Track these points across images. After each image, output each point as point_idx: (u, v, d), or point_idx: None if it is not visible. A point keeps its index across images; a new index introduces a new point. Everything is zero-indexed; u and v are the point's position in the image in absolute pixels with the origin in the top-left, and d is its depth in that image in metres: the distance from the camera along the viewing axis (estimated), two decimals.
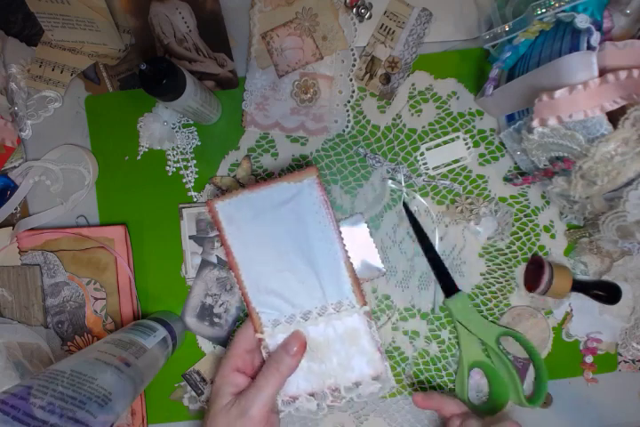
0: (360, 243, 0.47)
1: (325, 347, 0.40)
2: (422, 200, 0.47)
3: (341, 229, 0.40)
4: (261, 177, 0.48)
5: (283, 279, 0.40)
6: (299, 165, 0.48)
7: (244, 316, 0.48)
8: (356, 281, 0.40)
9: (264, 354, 0.40)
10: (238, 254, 0.40)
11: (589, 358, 0.47)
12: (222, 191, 0.48)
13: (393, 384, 0.39)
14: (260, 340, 0.40)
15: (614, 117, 0.35)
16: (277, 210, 0.40)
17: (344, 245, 0.40)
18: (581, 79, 0.34)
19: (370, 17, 0.47)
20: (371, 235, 0.47)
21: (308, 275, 0.40)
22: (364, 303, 0.39)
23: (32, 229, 0.48)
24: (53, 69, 0.49)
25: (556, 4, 0.37)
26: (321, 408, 0.40)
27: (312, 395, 0.40)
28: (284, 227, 0.40)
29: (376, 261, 0.47)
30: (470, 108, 0.48)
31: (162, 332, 0.43)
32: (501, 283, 0.47)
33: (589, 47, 0.35)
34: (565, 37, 0.37)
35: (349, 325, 0.39)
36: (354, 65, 0.48)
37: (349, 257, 0.40)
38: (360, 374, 0.39)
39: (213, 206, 0.40)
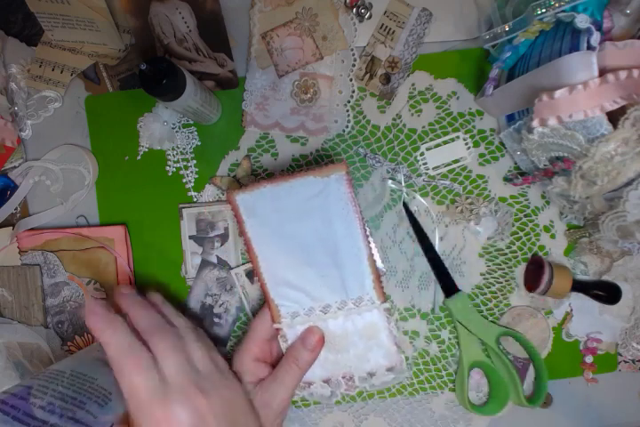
0: None
1: (343, 339, 0.40)
2: (422, 200, 0.47)
3: None
4: (261, 177, 0.48)
5: (303, 273, 0.40)
6: (299, 165, 0.48)
7: (244, 316, 0.48)
8: (378, 278, 0.40)
9: (282, 344, 0.40)
10: (258, 247, 0.40)
11: (589, 358, 0.47)
12: (223, 191, 0.48)
13: (407, 375, 0.40)
14: (278, 330, 0.40)
15: (614, 117, 0.35)
16: (302, 204, 0.39)
17: (369, 242, 0.39)
18: (581, 79, 0.34)
19: (370, 17, 0.47)
20: (371, 235, 0.47)
21: (329, 270, 0.40)
22: (385, 300, 0.40)
23: (32, 229, 0.48)
24: (53, 69, 0.49)
25: (556, 4, 0.37)
26: (334, 395, 0.40)
27: (326, 382, 0.40)
28: (307, 222, 0.39)
29: (376, 261, 0.47)
30: (470, 108, 0.48)
31: None
32: (501, 283, 0.47)
33: (589, 47, 0.35)
34: (565, 37, 0.37)
35: (368, 320, 0.40)
36: (354, 65, 0.48)
37: (373, 254, 0.40)
38: (375, 365, 0.40)
39: (233, 198, 0.40)
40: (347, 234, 0.39)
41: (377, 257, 0.46)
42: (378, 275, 0.40)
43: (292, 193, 0.39)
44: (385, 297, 0.40)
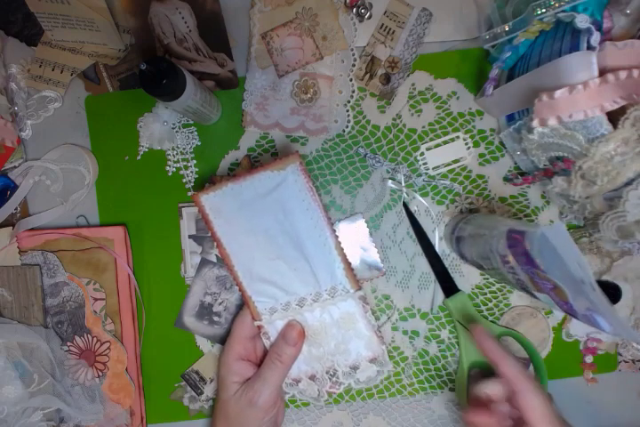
0: (360, 243, 0.47)
1: (323, 332, 0.40)
2: (422, 200, 0.47)
3: (341, 228, 0.40)
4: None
5: (275, 268, 0.40)
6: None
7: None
8: (349, 266, 0.40)
9: (264, 341, 0.41)
10: (229, 245, 0.41)
11: (589, 358, 0.47)
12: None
13: (390, 367, 0.40)
14: (260, 327, 0.41)
15: (614, 117, 0.35)
16: (263, 199, 0.40)
17: (334, 230, 0.40)
18: (581, 79, 0.34)
19: (370, 17, 0.47)
20: (371, 235, 0.47)
21: (299, 262, 0.40)
22: (359, 288, 0.40)
23: (32, 229, 0.48)
24: (53, 69, 0.49)
25: (556, 4, 0.37)
26: (322, 394, 0.41)
27: (312, 378, 0.41)
28: (271, 216, 0.40)
29: (376, 261, 0.47)
30: (470, 108, 0.48)
31: None
32: (501, 283, 0.47)
33: (589, 47, 0.35)
34: (565, 37, 0.37)
35: (344, 309, 0.40)
36: (354, 65, 0.48)
37: (340, 242, 0.40)
38: (357, 357, 0.40)
39: (199, 200, 0.40)
40: (311, 225, 0.39)
41: (377, 257, 0.46)
42: (349, 263, 0.40)
43: (253, 189, 0.40)
44: (359, 285, 0.40)
